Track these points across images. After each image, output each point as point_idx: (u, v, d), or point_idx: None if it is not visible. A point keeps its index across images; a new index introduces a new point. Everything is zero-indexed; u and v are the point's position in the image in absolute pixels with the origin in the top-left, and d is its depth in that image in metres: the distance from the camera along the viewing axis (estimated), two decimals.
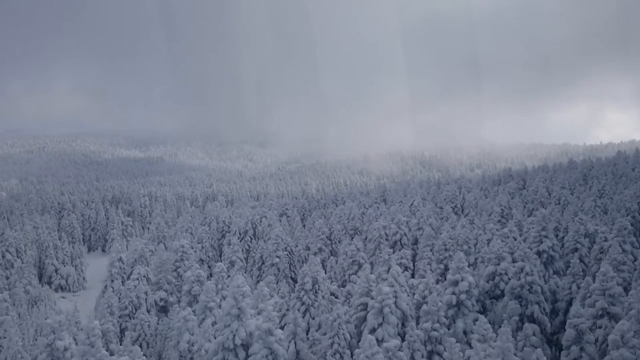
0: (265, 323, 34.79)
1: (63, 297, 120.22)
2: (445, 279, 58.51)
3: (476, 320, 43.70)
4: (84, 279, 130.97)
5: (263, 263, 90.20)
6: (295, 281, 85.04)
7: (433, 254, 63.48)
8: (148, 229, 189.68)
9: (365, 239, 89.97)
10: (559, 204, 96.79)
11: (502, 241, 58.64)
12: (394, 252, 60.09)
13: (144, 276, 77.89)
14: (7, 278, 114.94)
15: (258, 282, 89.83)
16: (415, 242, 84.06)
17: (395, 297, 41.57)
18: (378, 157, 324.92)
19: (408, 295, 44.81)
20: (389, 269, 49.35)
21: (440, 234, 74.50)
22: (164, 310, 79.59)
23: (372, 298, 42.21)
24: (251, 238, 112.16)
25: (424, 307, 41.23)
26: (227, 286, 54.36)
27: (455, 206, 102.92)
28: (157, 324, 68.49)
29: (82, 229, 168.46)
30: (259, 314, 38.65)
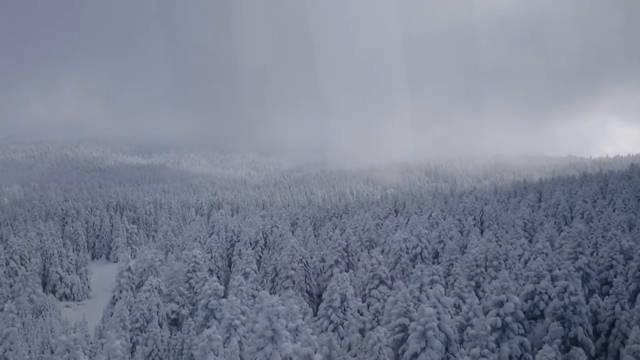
0: (304, 347, 31.87)
1: (67, 306, 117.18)
2: (477, 297, 55.68)
3: (522, 344, 40.85)
4: (88, 287, 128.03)
5: (277, 275, 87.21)
6: (310, 294, 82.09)
7: (463, 270, 60.40)
8: (153, 237, 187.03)
9: (383, 251, 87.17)
10: (583, 217, 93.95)
11: (540, 257, 55.61)
12: (425, 267, 56.76)
13: (156, 287, 74.97)
14: (11, 286, 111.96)
15: (271, 295, 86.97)
16: (436, 255, 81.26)
17: (439, 319, 38.60)
18: (383, 167, 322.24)
19: (452, 317, 41.75)
20: (422, 285, 46.42)
21: (465, 248, 71.55)
22: (175, 323, 76.65)
23: (411, 319, 39.35)
24: (262, 248, 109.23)
25: (469, 330, 38.30)
26: (250, 302, 51.46)
27: (474, 219, 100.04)
28: (170, 338, 65.58)
29: (86, 236, 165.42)
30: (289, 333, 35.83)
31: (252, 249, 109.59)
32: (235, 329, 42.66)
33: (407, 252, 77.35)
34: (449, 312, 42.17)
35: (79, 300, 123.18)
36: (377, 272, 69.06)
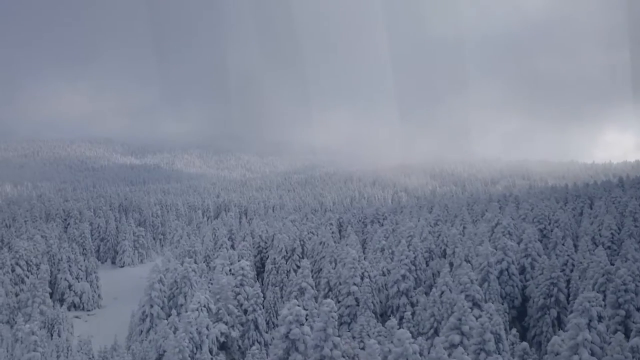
0: None
1: (77, 317, 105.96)
2: (625, 329, 45.49)
3: None
4: (99, 296, 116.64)
5: (330, 290, 76.69)
6: (375, 314, 71.43)
7: (608, 295, 49.91)
8: (161, 240, 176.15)
9: (452, 264, 77.01)
10: None
11: None
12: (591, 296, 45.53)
13: (204, 306, 63.96)
14: (17, 295, 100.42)
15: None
16: (522, 271, 71.15)
17: None
18: (388, 170, 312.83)
19: None
20: (590, 321, 36.10)
21: (615, 267, 61.50)
22: (224, 347, 65.73)
23: None
24: (299, 257, 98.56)
25: None
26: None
27: (544, 228, 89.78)
28: None
29: (91, 239, 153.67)
30: None
31: (288, 258, 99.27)
32: None
33: (494, 267, 67.11)
34: None
35: (89, 310, 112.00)
36: (469, 292, 58.83)
